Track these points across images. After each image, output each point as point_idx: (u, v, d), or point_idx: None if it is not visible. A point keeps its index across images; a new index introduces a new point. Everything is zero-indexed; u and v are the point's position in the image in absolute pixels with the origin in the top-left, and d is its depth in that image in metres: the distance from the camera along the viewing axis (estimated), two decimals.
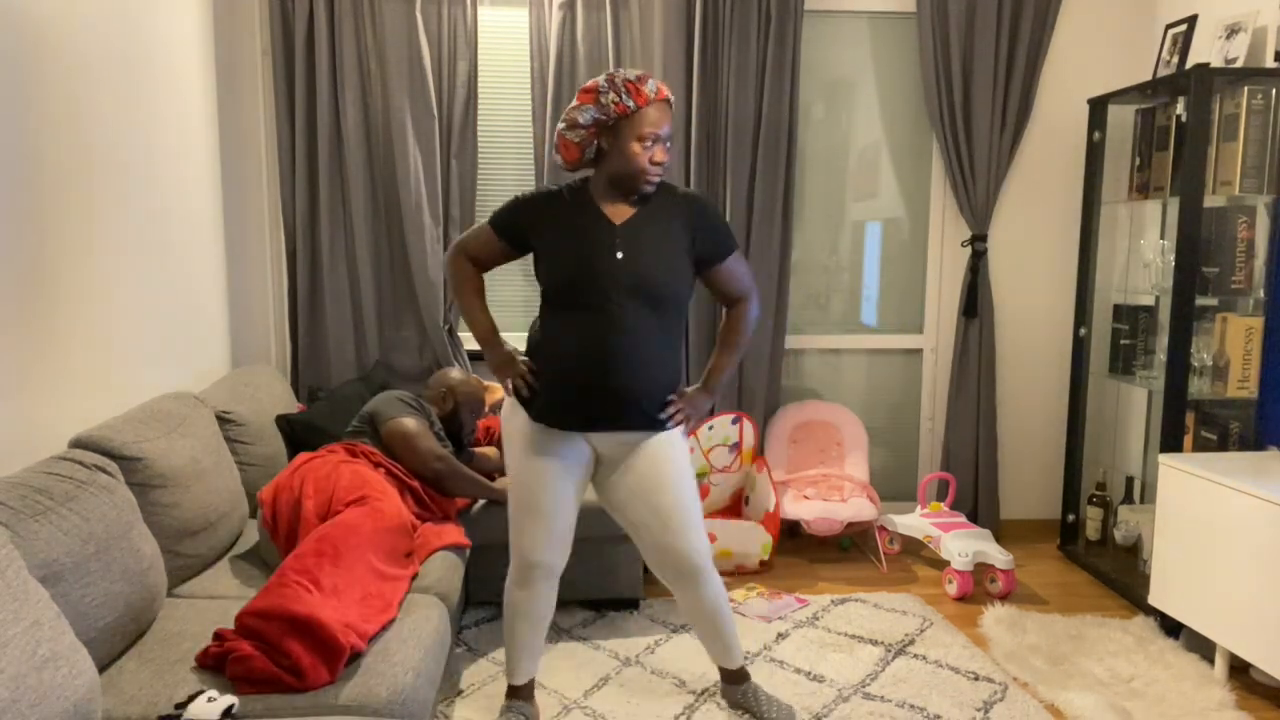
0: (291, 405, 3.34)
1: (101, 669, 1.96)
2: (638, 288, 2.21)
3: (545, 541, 2.35)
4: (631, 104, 2.16)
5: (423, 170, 3.64)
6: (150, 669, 1.96)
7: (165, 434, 2.39)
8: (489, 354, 2.38)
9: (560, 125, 2.25)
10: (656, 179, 2.24)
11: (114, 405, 2.62)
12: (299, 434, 3.17)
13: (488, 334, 2.39)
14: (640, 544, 2.41)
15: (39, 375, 2.26)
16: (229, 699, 1.77)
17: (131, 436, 2.27)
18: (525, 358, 2.36)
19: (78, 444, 2.21)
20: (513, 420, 2.36)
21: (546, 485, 2.31)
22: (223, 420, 2.82)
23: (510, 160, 3.85)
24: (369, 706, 1.87)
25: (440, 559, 2.58)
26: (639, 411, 2.29)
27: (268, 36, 3.63)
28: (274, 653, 1.90)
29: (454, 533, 2.70)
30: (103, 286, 2.57)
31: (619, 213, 2.27)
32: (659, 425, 2.33)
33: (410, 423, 2.79)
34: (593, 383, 2.23)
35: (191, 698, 1.78)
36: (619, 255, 2.21)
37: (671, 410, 2.33)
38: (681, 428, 2.39)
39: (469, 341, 3.89)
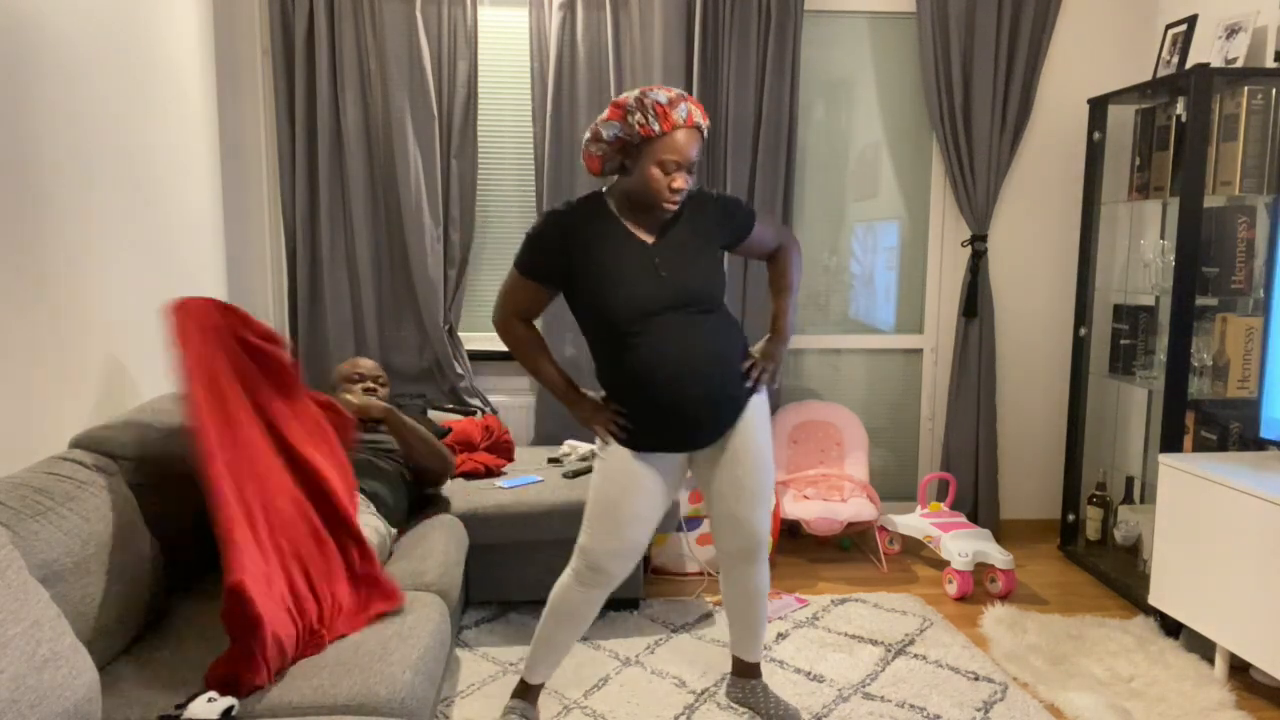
0: None
1: (101, 669, 1.96)
2: (686, 300, 2.21)
3: (619, 551, 2.31)
4: (656, 128, 2.11)
5: (423, 170, 3.64)
6: (150, 669, 1.96)
7: (166, 434, 2.39)
8: (574, 410, 2.33)
9: (585, 136, 2.23)
10: (675, 206, 2.19)
11: (114, 405, 2.63)
12: None
13: (565, 390, 2.34)
14: (712, 513, 2.41)
15: (39, 375, 2.26)
16: (229, 699, 1.77)
17: (132, 436, 2.27)
18: (611, 401, 2.31)
19: (78, 444, 2.21)
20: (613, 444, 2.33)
21: (636, 499, 2.29)
22: None
23: (510, 160, 3.85)
24: (368, 705, 1.87)
25: (441, 557, 2.58)
26: (731, 405, 2.30)
27: (268, 36, 3.63)
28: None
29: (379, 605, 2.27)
30: (103, 286, 2.57)
31: (647, 229, 2.25)
32: (748, 397, 2.33)
33: None
34: (683, 408, 2.22)
35: (192, 698, 1.78)
36: (663, 274, 2.21)
37: (755, 374, 2.33)
38: (764, 387, 2.39)
39: (470, 341, 3.89)
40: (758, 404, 2.36)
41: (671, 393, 2.20)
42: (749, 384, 2.33)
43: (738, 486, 2.34)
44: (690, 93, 3.71)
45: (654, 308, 2.19)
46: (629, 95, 2.15)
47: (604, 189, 2.31)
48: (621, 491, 2.27)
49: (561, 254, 2.23)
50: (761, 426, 2.36)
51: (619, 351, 2.23)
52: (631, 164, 2.18)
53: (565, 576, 2.40)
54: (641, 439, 2.28)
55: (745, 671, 2.61)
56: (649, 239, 2.24)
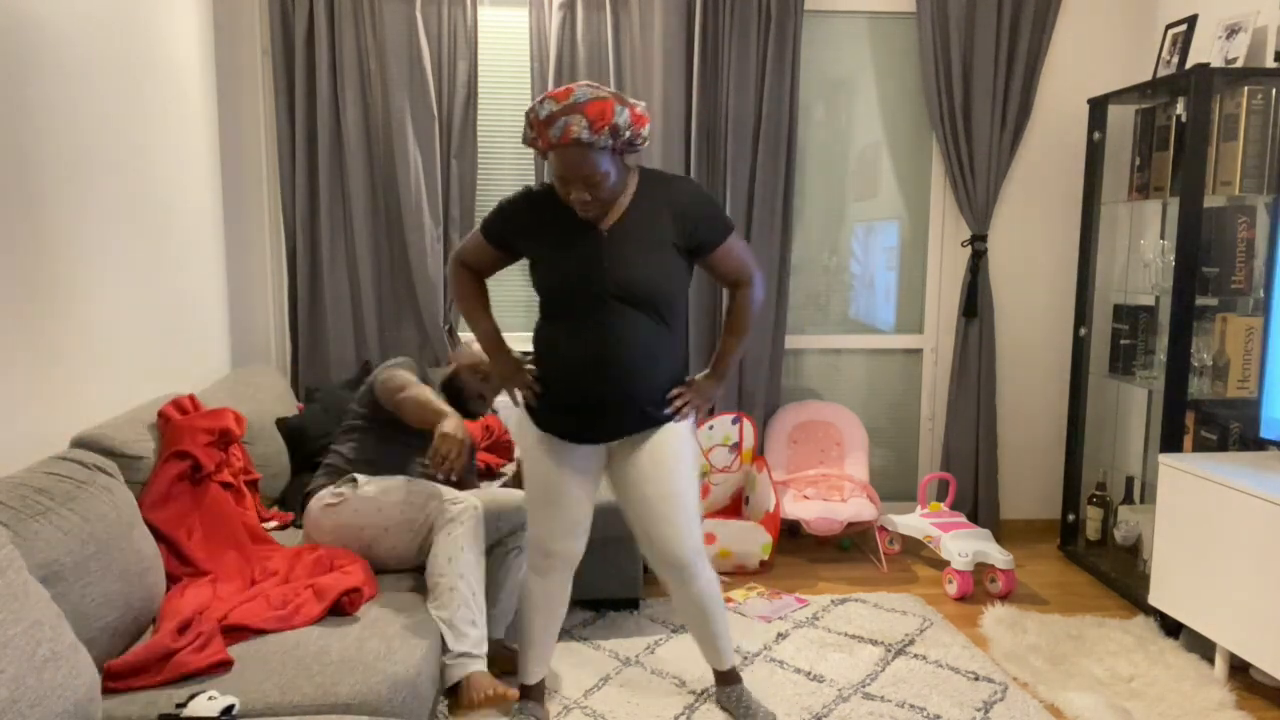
0: (291, 405, 3.34)
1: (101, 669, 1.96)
2: (628, 294, 2.19)
3: (562, 530, 2.36)
4: (539, 144, 2.10)
5: (423, 170, 3.64)
6: None
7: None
8: (494, 362, 2.38)
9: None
10: (589, 212, 2.15)
11: (114, 405, 2.62)
12: (293, 436, 3.17)
13: (492, 342, 2.38)
14: (636, 534, 2.41)
15: (39, 375, 2.26)
16: (229, 698, 1.78)
17: (132, 435, 2.28)
18: (531, 366, 2.34)
19: (78, 443, 2.21)
20: (526, 418, 2.37)
21: (561, 478, 2.32)
22: None
23: (510, 160, 3.85)
24: (369, 704, 1.87)
25: None
26: (641, 416, 2.29)
27: (268, 36, 3.63)
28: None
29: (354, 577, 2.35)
30: (103, 287, 2.57)
31: (604, 218, 2.23)
32: (664, 420, 2.33)
33: (398, 371, 2.72)
34: (591, 398, 2.23)
35: (192, 697, 1.78)
36: (605, 264, 2.19)
37: (677, 402, 2.33)
38: (689, 418, 2.38)
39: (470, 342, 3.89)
40: (677, 429, 2.34)
41: (579, 379, 2.22)
42: (668, 410, 2.32)
43: (648, 506, 2.34)
44: (690, 92, 3.71)
45: (590, 295, 2.19)
46: (531, 105, 2.09)
47: None
48: (549, 471, 2.32)
49: (518, 228, 2.27)
50: (676, 450, 2.33)
51: (553, 329, 2.26)
52: None
53: (525, 573, 2.46)
54: (548, 422, 2.30)
55: (723, 679, 2.61)
56: (603, 227, 2.22)
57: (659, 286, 2.20)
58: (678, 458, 2.34)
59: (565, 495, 2.33)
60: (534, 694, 2.53)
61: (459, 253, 2.39)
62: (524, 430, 2.36)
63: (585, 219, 2.21)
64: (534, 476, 2.35)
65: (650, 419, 2.31)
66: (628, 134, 2.08)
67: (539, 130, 2.07)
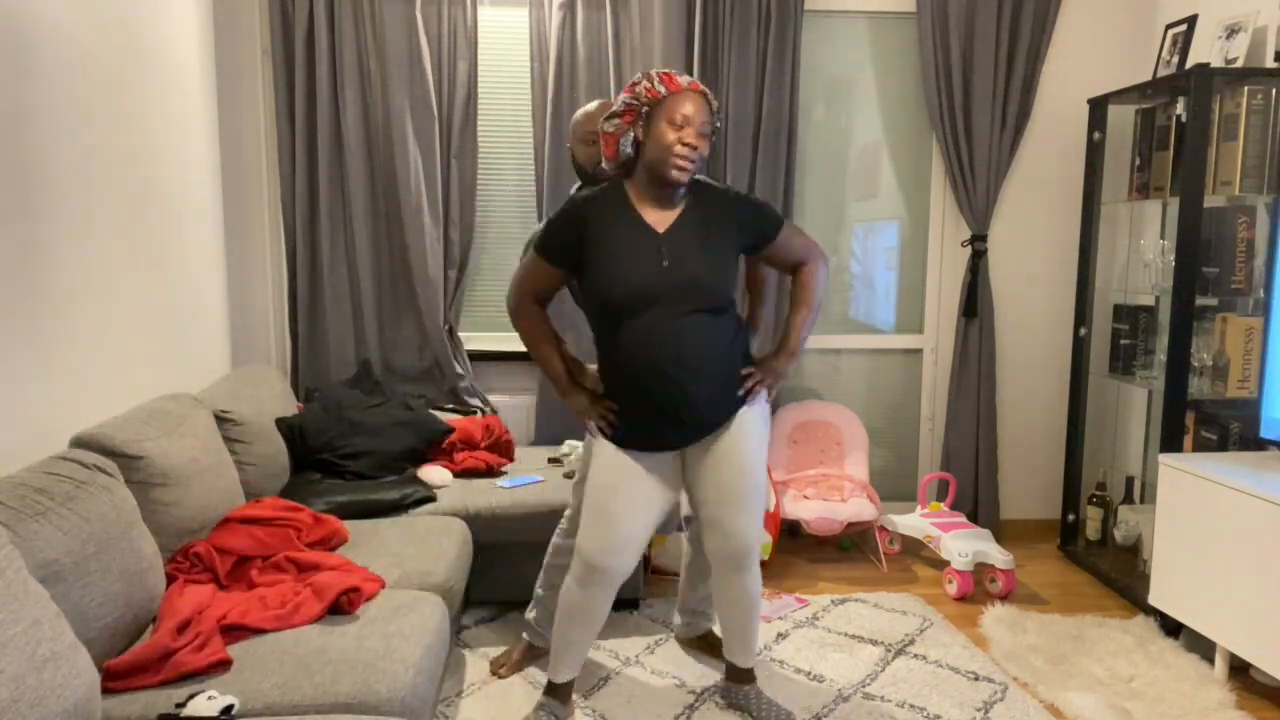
0: (291, 405, 3.34)
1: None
2: (688, 293, 2.21)
3: (609, 546, 2.31)
4: (663, 90, 2.19)
5: (423, 170, 3.64)
6: None
7: (165, 433, 2.39)
8: (567, 400, 2.37)
9: (603, 120, 2.28)
10: (687, 165, 2.19)
11: (114, 405, 2.63)
12: (293, 435, 3.17)
13: (564, 381, 2.36)
14: (700, 520, 2.41)
15: (39, 375, 2.26)
16: (228, 698, 1.78)
17: (132, 435, 2.28)
18: (605, 395, 2.33)
19: (78, 443, 2.21)
20: (600, 436, 2.36)
21: (621, 489, 2.30)
22: (221, 420, 2.83)
23: (510, 160, 3.85)
24: (369, 704, 1.87)
25: (445, 558, 2.58)
26: (716, 408, 2.30)
27: (268, 36, 3.63)
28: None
29: (355, 578, 2.34)
30: (103, 287, 2.57)
31: (661, 219, 2.26)
32: (738, 406, 2.33)
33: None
34: (667, 402, 2.23)
35: (191, 696, 1.79)
36: (665, 264, 2.21)
37: (749, 382, 2.33)
38: (763, 398, 2.39)
39: (470, 341, 3.89)
40: (751, 413, 2.35)
41: (651, 382, 2.22)
42: (740, 393, 2.33)
43: (722, 491, 2.34)
44: None
45: (651, 295, 2.20)
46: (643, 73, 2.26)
47: (623, 181, 2.31)
48: (610, 488, 2.29)
49: (575, 236, 2.26)
50: (752, 434, 2.34)
51: (612, 336, 2.26)
52: (645, 132, 2.22)
53: (567, 578, 2.42)
54: (625, 434, 2.30)
55: (739, 678, 2.61)
56: (659, 228, 2.26)
57: (715, 282, 2.24)
58: (754, 446, 2.34)
59: (627, 510, 2.30)
60: (560, 693, 2.52)
61: (520, 289, 2.34)
62: (597, 440, 2.35)
63: (643, 223, 2.25)
64: (598, 487, 2.31)
65: (725, 408, 2.31)
66: (717, 123, 2.28)
67: (666, 78, 2.19)
